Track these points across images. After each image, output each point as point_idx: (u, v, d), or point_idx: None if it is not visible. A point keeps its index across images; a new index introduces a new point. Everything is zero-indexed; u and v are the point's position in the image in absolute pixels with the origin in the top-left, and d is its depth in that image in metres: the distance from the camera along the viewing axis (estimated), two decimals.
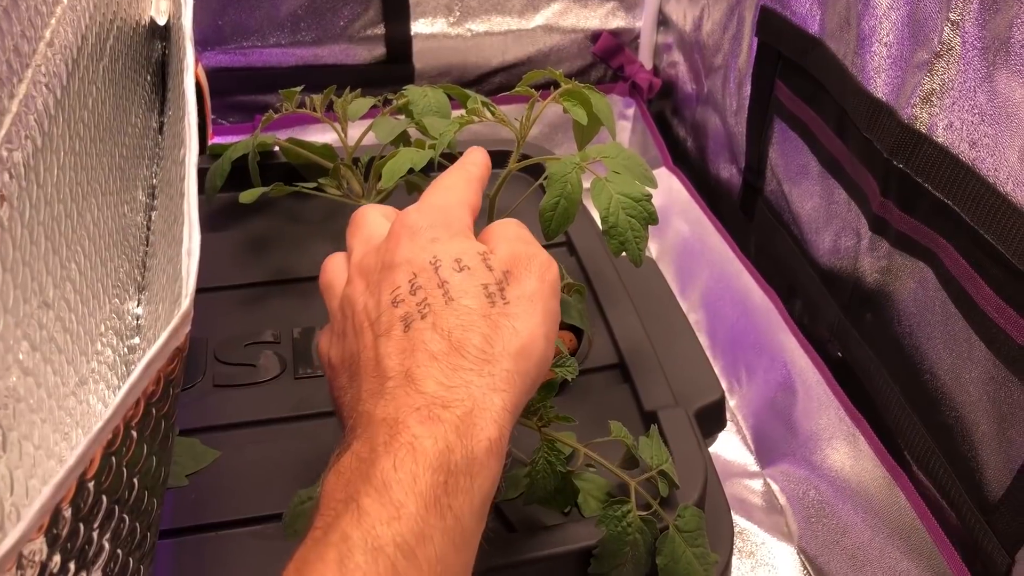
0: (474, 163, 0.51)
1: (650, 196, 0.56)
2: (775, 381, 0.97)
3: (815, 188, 0.90)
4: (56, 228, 0.43)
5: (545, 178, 0.70)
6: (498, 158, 0.91)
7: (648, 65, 1.28)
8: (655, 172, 1.23)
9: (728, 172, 1.10)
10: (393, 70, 1.23)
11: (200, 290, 0.79)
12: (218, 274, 0.77)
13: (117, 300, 0.57)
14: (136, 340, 0.58)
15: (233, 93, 1.23)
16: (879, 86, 0.77)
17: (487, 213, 0.66)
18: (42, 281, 0.40)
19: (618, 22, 1.26)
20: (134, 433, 0.36)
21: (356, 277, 0.45)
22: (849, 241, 0.85)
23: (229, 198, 0.85)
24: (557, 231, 0.58)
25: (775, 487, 0.93)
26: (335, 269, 0.50)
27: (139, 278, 0.63)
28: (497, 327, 0.40)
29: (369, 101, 0.73)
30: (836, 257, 0.88)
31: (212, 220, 0.83)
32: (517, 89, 0.64)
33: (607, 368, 0.69)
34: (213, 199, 0.80)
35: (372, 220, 0.48)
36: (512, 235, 0.46)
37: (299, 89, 0.75)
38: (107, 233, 0.55)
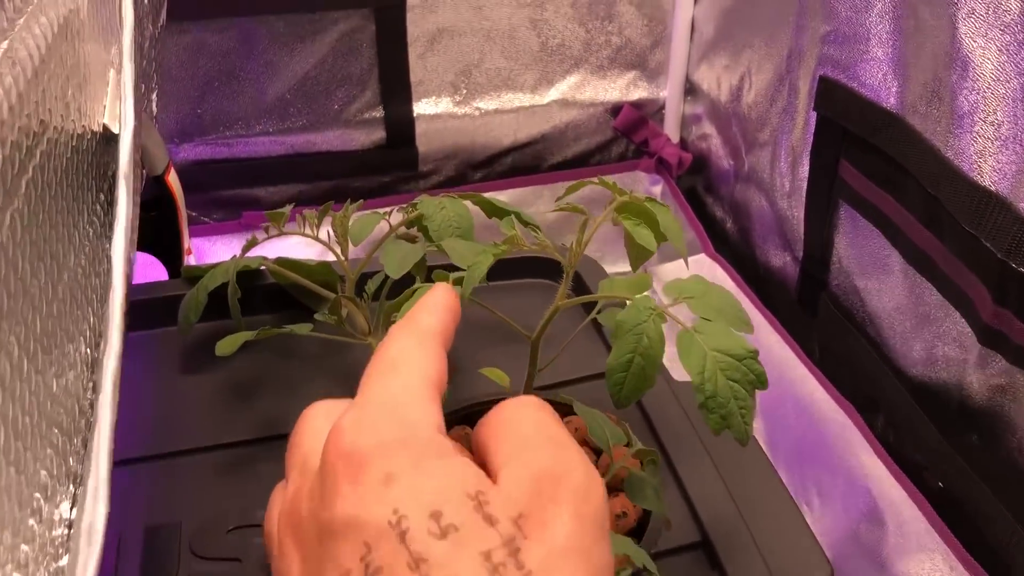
0: (431, 310, 0.36)
1: (755, 353, 0.43)
2: (857, 509, 0.82)
3: (898, 287, 0.77)
4: None
5: (600, 311, 0.57)
6: (539, 267, 0.79)
7: (675, 138, 1.16)
8: (692, 259, 1.11)
9: (780, 260, 0.97)
10: (394, 155, 1.11)
11: (172, 454, 0.65)
12: (193, 432, 0.63)
13: (39, 501, 0.43)
14: (63, 562, 0.44)
15: (217, 187, 1.11)
16: (986, 173, 0.64)
17: (529, 365, 0.52)
18: None
19: (640, 93, 1.14)
20: None
21: (287, 540, 0.30)
22: (950, 351, 0.71)
23: (206, 330, 0.71)
24: (632, 398, 0.44)
25: None
26: (275, 497, 0.35)
27: (76, 468, 0.48)
28: None
29: (374, 219, 0.60)
30: (932, 369, 0.74)
31: (186, 360, 0.69)
32: (562, 206, 0.51)
33: (687, 549, 0.55)
34: (187, 334, 0.66)
35: (313, 429, 0.33)
36: (526, 435, 0.30)
37: (287, 210, 0.61)
38: (29, 412, 0.41)
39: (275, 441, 0.63)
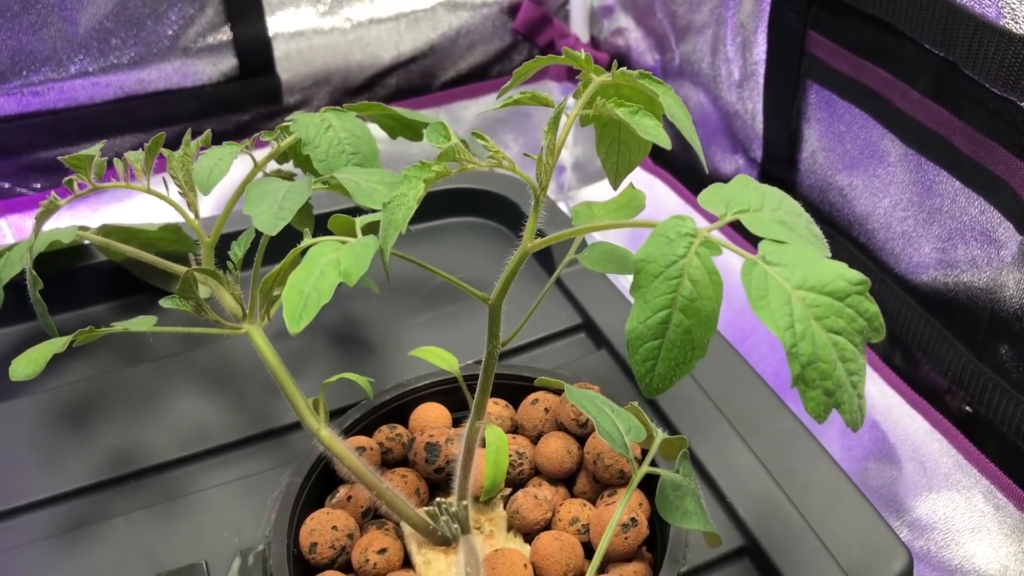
0: None
1: (864, 284, 0.27)
2: (861, 447, 0.70)
3: (896, 178, 0.63)
4: None
5: (579, 250, 0.40)
6: (469, 201, 0.59)
7: (584, 37, 1.00)
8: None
9: (731, 164, 0.82)
10: (251, 87, 0.92)
11: None
12: (7, 485, 0.44)
13: None
14: None
15: (31, 149, 0.89)
16: (1023, 17, 0.50)
17: (488, 339, 0.35)
18: None
19: None
20: None
21: None
22: (974, 250, 0.58)
23: (13, 338, 0.51)
24: (671, 378, 0.28)
25: None
26: None
27: None
28: None
29: (228, 153, 0.41)
30: (949, 273, 0.61)
31: None
32: (515, 97, 0.34)
33: (729, 559, 0.40)
34: None
35: None
36: None
37: (96, 150, 0.42)
38: None
39: (129, 482, 0.45)
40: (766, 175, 0.77)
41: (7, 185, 0.89)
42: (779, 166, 0.75)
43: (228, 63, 0.90)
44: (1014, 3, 0.50)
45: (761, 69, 0.73)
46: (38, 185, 0.91)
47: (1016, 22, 0.50)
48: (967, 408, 0.62)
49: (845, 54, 0.65)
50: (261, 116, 0.94)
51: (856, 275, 0.27)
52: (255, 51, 0.89)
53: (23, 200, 0.89)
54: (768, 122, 0.74)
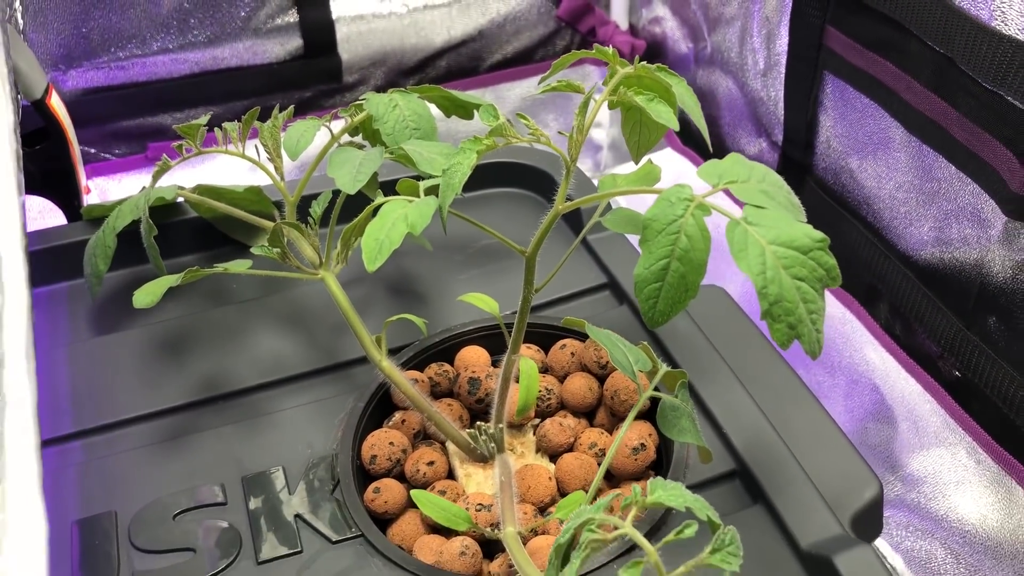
0: None
1: (824, 242, 0.34)
2: (862, 408, 0.76)
3: (900, 162, 0.69)
4: None
5: (603, 213, 0.48)
6: (511, 174, 0.68)
7: (623, 25, 1.06)
8: (656, 155, 1.02)
9: (755, 147, 0.88)
10: (314, 65, 0.99)
11: (95, 431, 0.54)
12: (118, 402, 0.53)
13: None
14: None
15: (115, 118, 0.97)
16: (1012, 20, 0.56)
17: (524, 286, 0.43)
18: None
19: None
20: None
21: None
22: (965, 229, 0.64)
23: (120, 280, 0.60)
24: (669, 314, 0.36)
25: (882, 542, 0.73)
26: None
27: None
28: None
29: (312, 126, 0.49)
30: (944, 250, 0.67)
31: (100, 317, 0.58)
32: (553, 85, 0.41)
33: (722, 480, 0.47)
34: (97, 291, 0.55)
35: None
36: None
37: (204, 121, 0.50)
38: None
39: (218, 402, 0.53)
40: (786, 158, 0.84)
41: (92, 151, 0.98)
42: (798, 150, 0.81)
43: (294, 43, 0.97)
44: (1004, 6, 0.56)
45: (783, 60, 0.79)
46: (119, 151, 1.00)
47: (1005, 23, 0.56)
48: (956, 373, 0.69)
49: (858, 48, 0.70)
50: (322, 93, 1.02)
51: (819, 234, 0.34)
52: (319, 33, 0.97)
53: (106, 164, 0.98)
54: (788, 109, 0.81)
